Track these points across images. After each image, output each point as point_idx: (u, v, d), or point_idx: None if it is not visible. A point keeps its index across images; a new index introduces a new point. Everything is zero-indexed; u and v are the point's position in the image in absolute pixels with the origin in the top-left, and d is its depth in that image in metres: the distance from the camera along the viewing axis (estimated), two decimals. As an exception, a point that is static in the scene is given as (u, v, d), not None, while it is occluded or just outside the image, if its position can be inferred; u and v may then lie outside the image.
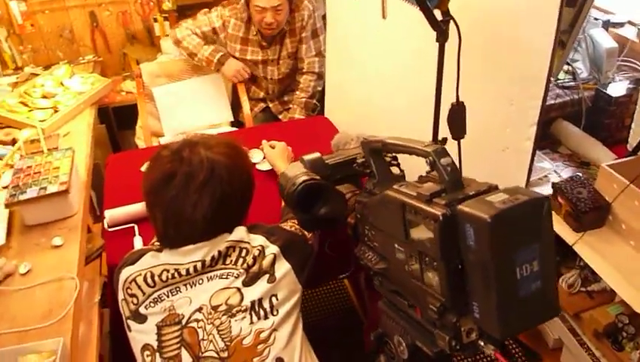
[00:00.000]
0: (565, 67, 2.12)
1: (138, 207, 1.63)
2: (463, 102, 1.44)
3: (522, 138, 1.64)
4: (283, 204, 1.46)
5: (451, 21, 1.37)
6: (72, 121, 2.30)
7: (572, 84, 2.09)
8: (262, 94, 2.86)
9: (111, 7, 3.18)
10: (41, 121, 2.19)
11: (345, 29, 2.39)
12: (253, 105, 2.83)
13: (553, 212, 1.64)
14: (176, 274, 1.09)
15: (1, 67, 2.87)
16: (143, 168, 1.20)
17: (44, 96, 2.37)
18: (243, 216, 1.20)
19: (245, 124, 2.71)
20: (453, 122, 1.45)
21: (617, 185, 1.53)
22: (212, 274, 1.10)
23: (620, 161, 1.66)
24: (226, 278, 1.10)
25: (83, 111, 2.39)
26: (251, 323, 1.10)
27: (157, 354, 1.09)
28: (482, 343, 0.94)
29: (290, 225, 1.29)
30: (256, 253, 1.12)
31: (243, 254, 1.12)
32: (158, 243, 1.17)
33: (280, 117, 2.85)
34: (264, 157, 1.83)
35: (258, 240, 1.15)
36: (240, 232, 1.14)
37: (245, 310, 1.10)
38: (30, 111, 2.27)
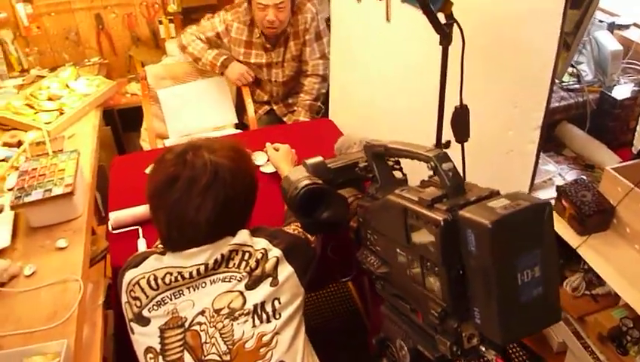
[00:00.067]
0: (570, 69, 2.10)
1: (142, 210, 1.64)
2: (466, 105, 1.43)
3: (526, 141, 1.64)
4: (286, 206, 1.46)
5: (455, 24, 1.37)
6: (78, 123, 2.31)
7: (577, 86, 2.07)
8: (266, 97, 2.86)
9: (116, 10, 3.20)
10: (46, 123, 2.20)
11: (349, 32, 2.39)
12: (258, 107, 2.84)
13: (557, 215, 1.65)
14: (179, 277, 1.10)
15: (8, 69, 2.89)
16: (148, 170, 1.21)
17: (50, 99, 2.38)
18: (246, 219, 1.20)
19: (250, 126, 2.72)
20: (457, 125, 1.45)
21: (622, 189, 1.52)
22: (215, 277, 1.11)
23: (624, 164, 1.65)
24: (229, 281, 1.11)
25: (88, 113, 2.40)
26: (254, 326, 1.10)
27: (160, 357, 1.09)
28: (484, 348, 0.94)
29: (294, 228, 1.29)
30: (259, 256, 1.13)
31: (246, 257, 1.12)
32: (162, 246, 1.18)
33: (284, 119, 2.85)
34: (268, 160, 1.84)
35: (261, 243, 1.15)
36: (243, 235, 1.14)
37: (248, 313, 1.10)
38: (36, 113, 2.28)
